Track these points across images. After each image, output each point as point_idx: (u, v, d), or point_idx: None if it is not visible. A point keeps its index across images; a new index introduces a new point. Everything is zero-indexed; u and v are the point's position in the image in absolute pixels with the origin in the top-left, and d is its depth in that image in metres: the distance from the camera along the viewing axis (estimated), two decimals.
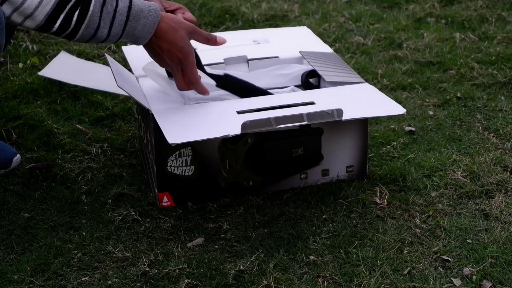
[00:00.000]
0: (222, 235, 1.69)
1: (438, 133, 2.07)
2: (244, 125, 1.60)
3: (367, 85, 1.86)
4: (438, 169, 1.90)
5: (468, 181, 1.85)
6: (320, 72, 1.88)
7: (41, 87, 2.26)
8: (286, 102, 1.74)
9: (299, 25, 2.79)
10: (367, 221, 1.72)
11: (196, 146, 1.74)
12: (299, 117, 1.65)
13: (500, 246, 1.62)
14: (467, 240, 1.65)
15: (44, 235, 1.69)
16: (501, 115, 2.14)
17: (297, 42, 2.09)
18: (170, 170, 1.75)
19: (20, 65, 2.41)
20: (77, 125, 2.10)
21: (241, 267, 1.57)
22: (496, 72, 2.37)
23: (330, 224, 1.71)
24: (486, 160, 1.92)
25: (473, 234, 1.67)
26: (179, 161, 1.75)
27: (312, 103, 1.73)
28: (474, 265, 1.57)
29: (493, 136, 2.04)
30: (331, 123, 1.78)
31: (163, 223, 1.73)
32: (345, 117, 1.65)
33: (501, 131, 2.06)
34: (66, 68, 2.13)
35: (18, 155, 1.92)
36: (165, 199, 1.77)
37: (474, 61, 2.44)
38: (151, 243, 1.66)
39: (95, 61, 2.46)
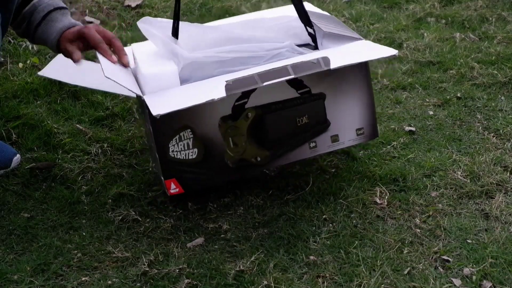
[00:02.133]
0: (222, 235, 1.69)
1: (438, 133, 2.07)
2: (228, 86, 1.54)
3: (364, 41, 1.80)
4: (438, 169, 1.90)
5: (468, 181, 1.85)
6: (317, 24, 1.82)
7: (41, 87, 2.26)
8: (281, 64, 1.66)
9: None
10: (367, 221, 1.72)
11: (195, 128, 1.69)
12: (284, 70, 1.58)
13: (500, 246, 1.62)
14: (467, 240, 1.65)
15: (44, 235, 1.69)
16: (501, 115, 2.14)
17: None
18: (173, 156, 1.70)
19: (20, 65, 2.41)
20: (77, 125, 2.10)
21: (241, 267, 1.57)
22: (496, 72, 2.37)
23: (330, 224, 1.71)
24: (486, 160, 1.92)
25: (473, 234, 1.67)
26: (181, 145, 1.70)
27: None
28: (474, 265, 1.57)
29: (493, 136, 2.04)
30: (332, 86, 1.73)
31: (163, 223, 1.73)
32: (333, 65, 1.59)
33: (501, 131, 2.06)
34: (66, 68, 2.13)
35: (18, 155, 1.92)
36: (173, 186, 1.72)
37: (474, 61, 2.44)
38: (151, 243, 1.66)
39: (95, 61, 2.46)
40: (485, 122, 2.11)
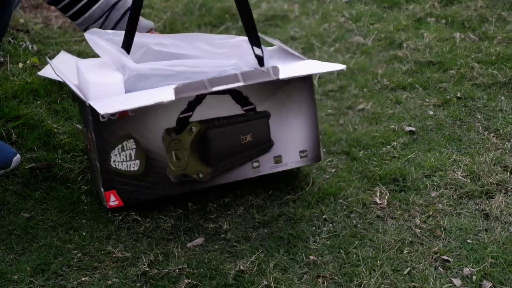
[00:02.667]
0: (222, 235, 1.68)
1: (438, 133, 2.07)
2: (177, 89, 1.53)
3: (312, 60, 1.82)
4: (438, 169, 1.90)
5: (468, 181, 1.85)
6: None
7: (41, 87, 2.26)
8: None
9: (299, 25, 2.79)
10: (367, 221, 1.72)
11: (138, 138, 1.66)
12: (233, 77, 1.58)
13: (500, 246, 1.62)
14: (467, 240, 1.65)
15: (44, 235, 1.69)
16: (501, 115, 2.14)
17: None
18: (114, 166, 1.66)
19: (20, 65, 2.41)
20: (77, 125, 2.10)
21: (241, 267, 1.57)
22: (496, 72, 2.36)
23: (330, 224, 1.71)
24: (486, 160, 1.92)
25: (473, 234, 1.67)
26: (123, 155, 1.66)
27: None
28: (474, 265, 1.57)
29: (493, 136, 2.04)
30: (277, 105, 1.72)
31: (163, 223, 1.73)
32: (282, 75, 1.59)
33: (501, 131, 2.06)
34: (66, 68, 2.13)
35: (18, 155, 1.92)
36: (112, 198, 1.69)
37: (474, 61, 2.44)
38: (151, 243, 1.66)
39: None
40: (485, 122, 2.11)
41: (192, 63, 1.74)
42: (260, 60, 1.80)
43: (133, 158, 1.68)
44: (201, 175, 1.73)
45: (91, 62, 1.79)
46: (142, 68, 1.70)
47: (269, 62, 1.80)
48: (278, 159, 1.78)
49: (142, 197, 1.72)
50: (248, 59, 1.80)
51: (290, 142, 1.78)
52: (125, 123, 1.65)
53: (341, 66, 1.68)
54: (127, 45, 1.77)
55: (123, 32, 1.78)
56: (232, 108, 1.72)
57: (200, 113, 1.70)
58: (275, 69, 1.59)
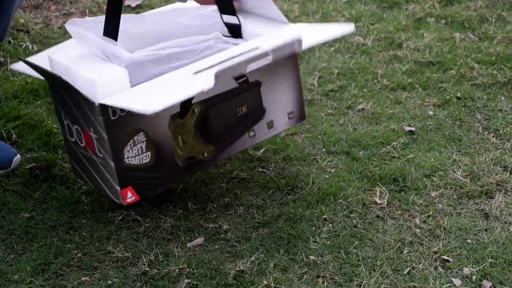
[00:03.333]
0: (222, 235, 1.69)
1: (438, 133, 2.07)
2: (217, 74, 1.50)
3: (294, 24, 1.83)
4: (438, 169, 1.90)
5: (468, 181, 1.85)
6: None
7: (41, 87, 2.26)
8: (232, 54, 1.65)
9: None
10: (367, 221, 1.72)
11: (147, 130, 1.66)
12: (264, 54, 1.58)
13: (500, 246, 1.62)
14: (467, 240, 1.65)
15: (44, 235, 1.69)
16: (501, 115, 2.14)
17: None
18: (128, 162, 1.65)
19: None
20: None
21: (241, 267, 1.57)
22: (496, 72, 2.37)
23: (330, 224, 1.71)
24: (486, 160, 1.92)
25: (473, 234, 1.67)
26: (135, 150, 1.65)
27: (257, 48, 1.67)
28: (474, 265, 1.57)
29: (493, 136, 2.04)
30: (265, 73, 1.75)
31: (163, 223, 1.73)
32: (305, 45, 1.60)
33: (501, 131, 2.06)
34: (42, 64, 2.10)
35: (18, 155, 1.92)
36: (129, 194, 1.68)
37: (474, 61, 2.44)
38: (151, 243, 1.66)
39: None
40: (485, 122, 2.11)
41: (177, 43, 1.72)
42: (237, 29, 1.79)
43: (144, 151, 1.67)
44: (205, 154, 1.75)
45: (72, 54, 1.70)
46: (136, 56, 1.67)
47: (247, 30, 1.80)
48: (270, 125, 1.82)
49: (156, 188, 1.72)
50: (221, 29, 1.81)
51: (279, 106, 1.82)
52: (134, 117, 1.63)
53: (350, 27, 1.68)
54: (113, 32, 1.69)
55: (102, 18, 1.70)
56: (228, 83, 1.73)
57: (201, 93, 1.68)
58: (299, 42, 1.60)
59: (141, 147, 1.67)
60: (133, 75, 1.65)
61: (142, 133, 1.66)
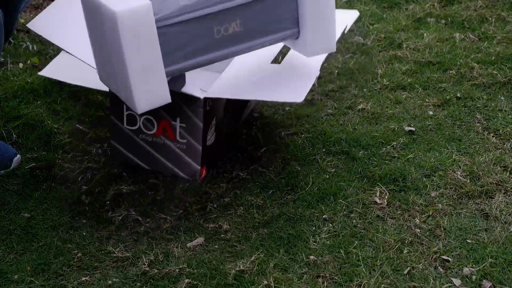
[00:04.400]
0: (222, 235, 1.69)
1: (438, 133, 2.07)
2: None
3: None
4: (438, 169, 1.90)
5: (468, 181, 1.85)
6: None
7: (41, 87, 2.26)
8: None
9: None
10: (367, 221, 1.72)
11: (215, 114, 1.86)
12: None
13: (500, 246, 1.62)
14: (467, 240, 1.65)
15: (44, 235, 1.69)
16: (501, 115, 2.14)
17: None
18: (209, 144, 1.86)
19: (20, 65, 2.41)
20: (77, 125, 2.10)
21: (241, 267, 1.57)
22: (496, 72, 2.37)
23: (330, 224, 1.71)
24: (486, 160, 1.92)
25: (473, 234, 1.67)
26: (210, 133, 1.85)
27: None
28: (474, 265, 1.57)
29: (493, 136, 2.04)
30: None
31: (163, 223, 1.73)
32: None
33: (501, 131, 2.06)
34: (66, 68, 2.13)
35: (18, 155, 1.92)
36: (204, 172, 1.87)
37: (474, 61, 2.44)
38: (151, 243, 1.66)
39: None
40: (485, 122, 2.11)
41: None
42: None
43: (213, 132, 1.87)
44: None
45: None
46: None
47: None
48: None
49: (215, 162, 1.91)
50: None
51: None
52: (214, 106, 1.84)
53: (355, 13, 1.85)
54: None
55: None
56: None
57: None
58: None
59: (213, 129, 1.87)
60: (158, 5, 1.63)
61: (215, 117, 1.85)
